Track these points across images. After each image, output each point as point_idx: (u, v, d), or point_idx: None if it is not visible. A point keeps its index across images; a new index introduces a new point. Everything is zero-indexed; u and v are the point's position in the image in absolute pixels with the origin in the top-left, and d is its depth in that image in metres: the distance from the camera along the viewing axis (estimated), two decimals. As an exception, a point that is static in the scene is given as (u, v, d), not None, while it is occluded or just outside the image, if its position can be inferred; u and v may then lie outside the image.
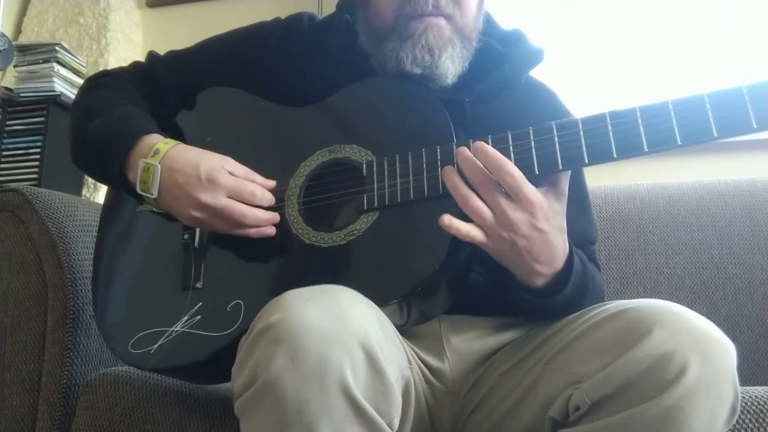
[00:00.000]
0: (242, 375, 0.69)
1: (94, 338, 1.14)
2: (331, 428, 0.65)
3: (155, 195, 0.92)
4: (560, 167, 0.78)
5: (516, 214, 0.76)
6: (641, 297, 1.18)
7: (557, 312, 0.86)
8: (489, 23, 1.04)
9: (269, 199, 0.92)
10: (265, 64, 1.05)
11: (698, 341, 0.69)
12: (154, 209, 0.97)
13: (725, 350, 0.70)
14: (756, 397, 0.89)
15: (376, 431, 0.68)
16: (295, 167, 0.95)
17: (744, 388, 0.91)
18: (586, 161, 0.77)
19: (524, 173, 0.77)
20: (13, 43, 2.42)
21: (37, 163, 2.36)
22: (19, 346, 1.12)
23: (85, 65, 2.58)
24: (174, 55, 1.12)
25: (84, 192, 2.46)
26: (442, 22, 0.93)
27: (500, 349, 0.92)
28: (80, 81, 2.55)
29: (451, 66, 0.94)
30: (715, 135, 0.73)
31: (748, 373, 1.29)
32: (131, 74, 1.11)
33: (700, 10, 2.04)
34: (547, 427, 0.77)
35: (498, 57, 1.00)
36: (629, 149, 0.76)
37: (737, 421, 0.86)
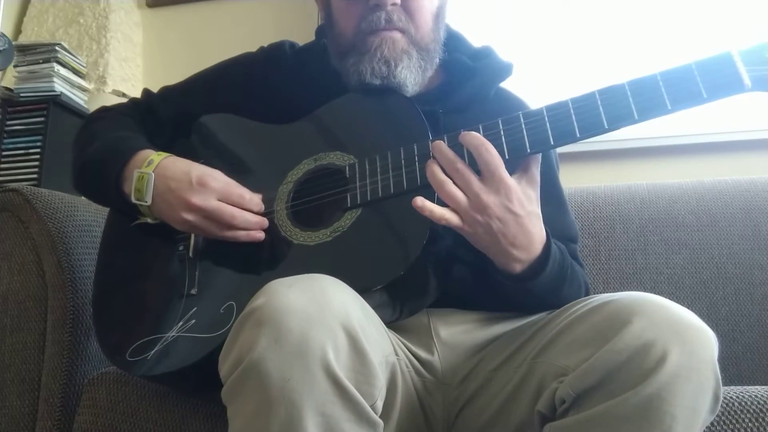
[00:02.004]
0: (228, 360, 0.71)
1: (93, 338, 1.14)
2: (314, 406, 0.67)
3: (149, 202, 0.96)
4: (528, 150, 0.83)
5: (489, 197, 0.80)
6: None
7: (536, 299, 0.89)
8: (459, 41, 1.11)
9: (258, 203, 0.96)
10: (252, 86, 1.11)
11: (678, 330, 0.70)
12: (149, 220, 1.00)
13: (705, 338, 0.71)
14: (756, 397, 0.89)
15: (358, 411, 0.70)
16: (283, 176, 1.00)
17: (744, 387, 0.91)
18: (552, 143, 0.83)
19: None
20: (13, 43, 2.42)
21: (37, 163, 2.36)
22: (19, 346, 1.12)
23: (85, 65, 2.58)
24: (168, 88, 1.19)
25: (84, 192, 2.47)
26: (396, 35, 0.98)
27: (490, 343, 0.93)
28: (80, 81, 2.55)
29: (409, 75, 0.99)
30: (669, 108, 0.79)
31: (748, 373, 1.29)
32: (129, 108, 1.17)
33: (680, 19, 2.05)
34: (536, 422, 0.78)
35: (468, 71, 1.06)
36: (591, 128, 0.82)
37: (737, 421, 0.87)
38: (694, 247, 1.40)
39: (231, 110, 1.10)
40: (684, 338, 0.69)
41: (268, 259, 0.95)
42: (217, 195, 0.93)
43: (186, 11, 2.65)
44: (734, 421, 0.87)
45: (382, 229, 0.90)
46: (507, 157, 0.83)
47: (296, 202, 0.97)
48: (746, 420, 0.87)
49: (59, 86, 2.42)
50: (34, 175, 2.34)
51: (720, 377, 0.71)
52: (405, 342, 0.92)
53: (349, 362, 0.69)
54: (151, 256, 1.04)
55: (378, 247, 0.89)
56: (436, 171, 0.83)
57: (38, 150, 2.36)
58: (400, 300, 0.89)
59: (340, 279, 0.78)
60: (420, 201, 0.81)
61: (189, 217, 0.94)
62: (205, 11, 2.62)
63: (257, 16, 2.51)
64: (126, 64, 2.58)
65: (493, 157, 0.81)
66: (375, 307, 0.83)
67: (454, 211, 0.82)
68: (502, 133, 0.85)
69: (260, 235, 0.94)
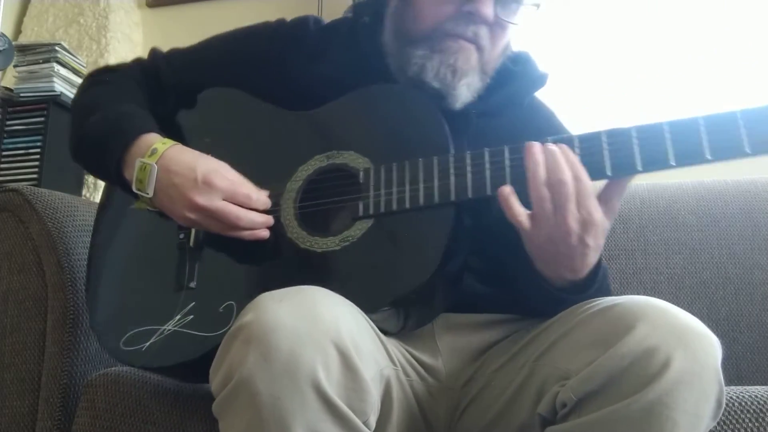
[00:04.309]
0: (218, 375, 0.70)
1: (94, 338, 1.14)
2: (304, 425, 0.66)
3: (151, 194, 0.92)
4: (609, 173, 0.79)
5: (574, 224, 0.77)
6: (641, 297, 1.18)
7: (560, 306, 0.86)
8: None
9: (264, 202, 0.93)
10: (268, 63, 1.05)
11: (681, 336, 0.69)
12: (149, 208, 0.97)
13: (709, 344, 0.70)
14: (756, 397, 0.89)
15: (350, 428, 0.69)
16: (293, 171, 0.95)
17: (744, 387, 0.91)
18: (640, 168, 0.77)
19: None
20: (13, 43, 2.42)
21: (37, 163, 2.36)
22: (19, 346, 1.12)
23: (85, 65, 2.57)
24: (176, 53, 1.12)
25: (84, 192, 2.46)
26: (473, 50, 0.94)
27: (493, 346, 0.92)
28: (80, 81, 2.55)
29: (465, 92, 0.95)
30: (709, 158, 0.76)
31: (748, 373, 1.29)
32: (133, 71, 1.11)
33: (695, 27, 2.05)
34: (536, 424, 0.78)
35: (508, 74, 1.02)
36: (689, 156, 0.77)
37: (737, 421, 0.87)
38: (694, 247, 1.39)
39: (242, 86, 1.04)
40: (687, 344, 0.69)
41: (272, 260, 0.92)
42: (223, 195, 0.90)
43: (186, 11, 2.66)
44: (734, 421, 0.87)
45: (394, 244, 0.87)
46: (609, 173, 0.79)
47: (305, 204, 0.93)
48: (746, 420, 0.87)
49: (59, 86, 2.42)
50: (34, 175, 2.34)
51: (723, 383, 0.70)
52: (408, 348, 0.91)
53: (340, 379, 0.68)
54: (149, 240, 1.01)
55: (388, 265, 0.85)
56: (540, 163, 0.78)
57: (38, 150, 2.37)
58: (406, 313, 0.87)
59: (347, 294, 0.76)
60: (508, 190, 0.78)
61: (191, 215, 0.91)
62: (205, 11, 2.62)
63: (257, 16, 2.51)
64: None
65: (587, 189, 0.77)
66: (380, 320, 0.82)
67: (532, 217, 0.78)
68: (578, 152, 0.79)
69: (265, 234, 0.91)
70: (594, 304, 0.79)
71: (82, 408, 1.04)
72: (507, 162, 0.82)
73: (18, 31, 2.78)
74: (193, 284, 0.94)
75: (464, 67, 0.94)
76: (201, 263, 0.95)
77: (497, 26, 0.94)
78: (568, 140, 0.81)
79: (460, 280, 0.92)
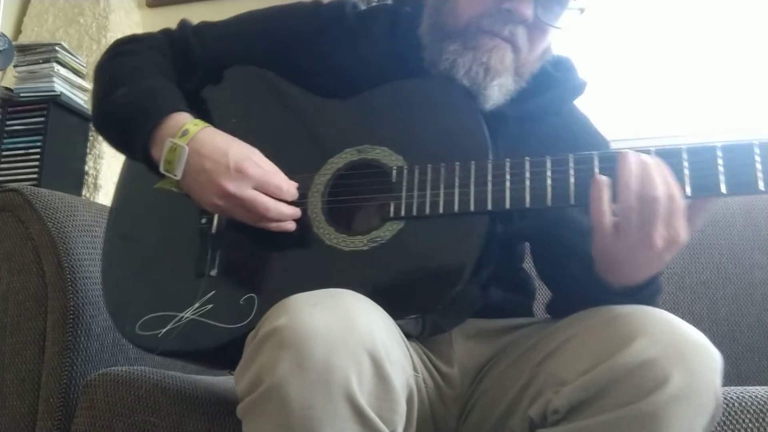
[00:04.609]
0: (246, 377, 0.68)
1: (94, 338, 1.14)
2: None
3: (179, 177, 0.89)
4: (723, 191, 0.74)
5: (659, 241, 0.74)
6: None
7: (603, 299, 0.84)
8: None
9: (294, 193, 0.90)
10: (304, 45, 1.01)
11: (681, 350, 0.68)
12: (174, 189, 0.94)
13: (710, 360, 0.69)
14: (756, 397, 0.89)
15: None
16: (322, 163, 0.92)
17: (744, 388, 0.91)
18: (724, 191, 0.73)
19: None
20: (13, 43, 2.42)
21: (37, 163, 2.36)
22: (19, 346, 1.12)
23: (85, 65, 2.58)
24: (207, 26, 1.08)
25: (84, 192, 2.47)
26: (509, 51, 0.90)
27: (502, 350, 0.91)
28: (80, 81, 2.56)
29: (497, 93, 0.91)
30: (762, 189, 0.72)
31: (748, 373, 1.29)
32: (161, 42, 1.06)
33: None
34: (527, 427, 0.77)
35: (549, 80, 0.98)
36: None
37: (737, 421, 0.87)
38: (694, 247, 1.39)
39: (273, 66, 1.00)
40: (687, 360, 0.68)
41: (296, 254, 0.89)
42: (254, 183, 0.87)
43: (186, 11, 2.66)
44: (734, 422, 0.87)
45: (425, 250, 0.83)
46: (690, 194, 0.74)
47: (333, 198, 0.90)
48: (746, 420, 0.86)
49: (59, 86, 2.42)
50: (34, 175, 2.35)
51: (721, 399, 0.70)
52: (427, 353, 0.90)
53: (372, 389, 0.67)
54: (170, 222, 0.99)
55: (418, 272, 0.82)
56: (633, 175, 0.74)
57: (38, 150, 2.37)
58: (428, 319, 0.85)
59: (373, 298, 0.75)
60: (605, 182, 0.74)
61: (220, 202, 0.87)
62: (205, 11, 2.62)
63: (257, 16, 2.51)
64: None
65: (679, 207, 0.73)
66: (401, 324, 0.80)
67: (615, 224, 0.74)
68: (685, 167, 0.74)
69: (291, 227, 0.88)
70: (598, 312, 0.78)
71: (81, 408, 1.04)
72: (548, 173, 0.79)
73: (18, 31, 2.78)
74: (213, 272, 0.91)
75: (498, 66, 0.90)
76: (222, 251, 0.93)
77: (536, 28, 0.90)
78: (675, 152, 0.76)
79: (487, 289, 0.90)
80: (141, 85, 0.97)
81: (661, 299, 0.85)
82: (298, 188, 0.90)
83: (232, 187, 0.86)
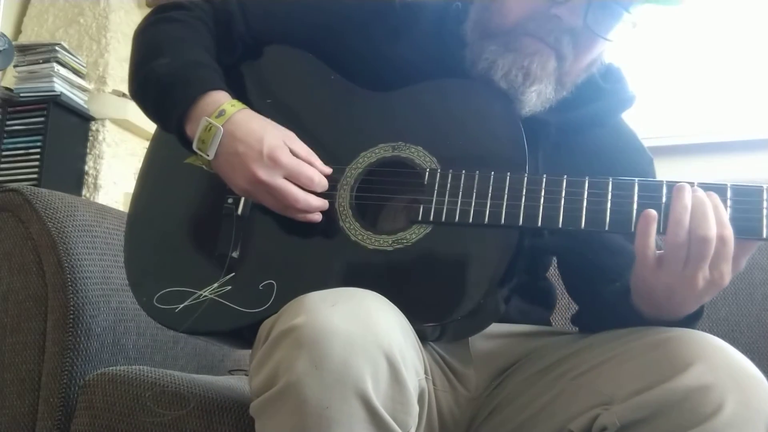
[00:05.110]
0: (261, 374, 0.68)
1: (94, 338, 1.14)
2: None
3: (211, 157, 0.88)
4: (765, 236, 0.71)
5: (702, 283, 0.72)
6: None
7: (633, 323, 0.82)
8: None
9: (325, 186, 0.88)
10: (346, 33, 0.98)
11: (737, 379, 0.68)
12: (203, 166, 0.94)
13: (763, 390, 0.69)
14: (756, 397, 0.89)
15: None
16: (354, 156, 0.91)
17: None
18: (765, 236, 0.71)
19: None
20: (13, 43, 2.42)
21: (37, 163, 2.36)
22: (19, 346, 1.12)
23: (85, 65, 2.58)
24: (252, 1, 1.03)
25: (84, 192, 2.47)
26: (552, 57, 0.87)
27: (524, 357, 0.91)
28: (80, 81, 2.56)
29: (535, 99, 0.88)
30: None
31: (748, 373, 1.29)
32: (205, 12, 1.02)
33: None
34: None
35: (597, 91, 0.95)
36: None
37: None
38: (694, 247, 1.39)
39: (316, 49, 0.98)
40: (743, 388, 0.68)
41: (319, 246, 0.89)
42: (285, 173, 0.85)
43: (186, 11, 2.65)
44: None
45: (449, 258, 0.82)
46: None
47: (362, 194, 0.89)
48: (746, 420, 0.86)
49: (59, 86, 2.42)
50: (34, 175, 2.35)
51: None
52: (441, 353, 0.89)
53: (388, 391, 0.67)
54: (195, 198, 0.98)
55: (440, 280, 0.81)
56: (687, 210, 0.71)
57: (38, 150, 2.37)
58: (444, 328, 0.84)
59: (392, 300, 0.74)
60: (653, 216, 0.71)
61: (249, 187, 0.86)
62: (205, 11, 2.61)
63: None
64: (126, 64, 2.57)
65: (729, 251, 0.71)
66: (418, 330, 0.79)
67: (662, 258, 0.72)
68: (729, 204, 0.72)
69: (318, 218, 0.87)
70: (646, 332, 0.77)
71: (80, 408, 1.04)
72: (585, 195, 0.77)
73: (18, 31, 2.78)
74: (235, 254, 0.90)
75: (538, 72, 0.86)
76: (246, 233, 0.92)
77: (585, 37, 0.86)
78: (719, 189, 0.73)
79: (508, 302, 0.89)
80: (183, 57, 0.94)
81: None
82: (329, 179, 0.89)
83: (264, 174, 0.85)
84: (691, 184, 0.73)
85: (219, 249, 0.91)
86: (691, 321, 0.81)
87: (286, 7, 1.03)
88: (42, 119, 2.39)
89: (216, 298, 0.88)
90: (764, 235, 0.71)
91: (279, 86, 0.99)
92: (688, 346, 0.71)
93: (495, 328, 0.91)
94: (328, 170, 0.89)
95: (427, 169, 0.86)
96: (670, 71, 2.13)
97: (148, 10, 3.05)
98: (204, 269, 0.91)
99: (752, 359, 0.72)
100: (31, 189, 1.18)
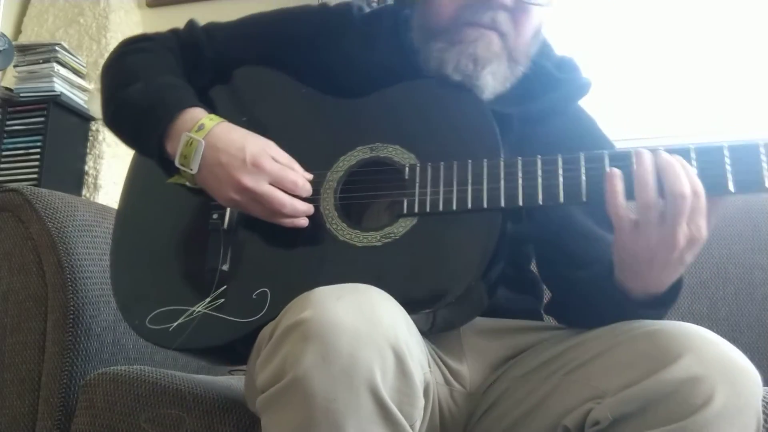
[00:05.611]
0: (268, 369, 0.68)
1: (94, 338, 1.14)
2: (357, 428, 0.65)
3: (195, 171, 0.89)
4: (732, 190, 0.75)
5: (682, 239, 0.74)
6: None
7: (629, 316, 0.83)
8: (545, 46, 1.03)
9: (309, 190, 0.90)
10: (311, 47, 1.02)
11: (727, 369, 0.69)
12: (187, 183, 0.95)
13: (753, 381, 0.70)
14: (756, 397, 0.89)
15: None
16: (334, 160, 0.93)
17: (744, 388, 0.91)
18: (732, 190, 0.74)
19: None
20: (13, 43, 2.42)
21: (37, 163, 2.36)
22: (19, 346, 1.12)
23: (85, 65, 2.58)
24: (216, 26, 1.08)
25: (84, 192, 2.47)
26: (494, 36, 0.91)
27: (519, 353, 0.91)
28: (80, 81, 2.56)
29: (491, 81, 0.91)
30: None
31: (748, 373, 1.30)
32: (171, 41, 1.07)
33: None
34: None
35: (553, 81, 1.00)
36: None
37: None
38: (694, 247, 1.39)
39: (283, 67, 1.01)
40: (733, 379, 0.68)
41: (308, 249, 0.90)
42: (270, 179, 0.87)
43: (186, 11, 2.66)
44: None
45: (437, 246, 0.84)
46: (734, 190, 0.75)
47: (346, 195, 0.91)
48: (746, 420, 0.86)
49: (59, 86, 2.42)
50: (34, 175, 2.35)
51: (762, 421, 0.70)
52: (436, 349, 0.90)
53: (395, 383, 0.67)
54: (180, 217, 0.99)
55: (430, 267, 0.83)
56: (649, 172, 0.74)
57: (38, 150, 2.37)
58: (438, 315, 0.85)
59: (385, 291, 0.75)
60: (617, 173, 0.74)
61: (236, 196, 0.88)
62: (205, 11, 2.62)
63: (257, 16, 2.51)
64: (126, 64, 2.58)
65: (703, 204, 0.74)
66: (413, 319, 0.80)
67: (635, 221, 0.74)
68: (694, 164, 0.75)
69: (304, 223, 0.89)
70: (636, 325, 0.78)
71: (81, 407, 1.04)
72: (560, 171, 0.80)
73: (18, 31, 2.78)
74: (225, 267, 0.91)
75: (486, 54, 0.90)
76: (234, 246, 0.93)
77: (519, 9, 0.90)
78: (683, 151, 0.76)
79: (496, 288, 0.90)
80: (156, 81, 0.97)
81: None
82: (312, 184, 0.91)
83: (249, 181, 0.87)
84: (657, 149, 0.77)
85: (209, 264, 0.92)
86: (674, 294, 0.81)
87: (250, 31, 1.06)
88: (42, 119, 2.39)
89: (209, 312, 0.88)
90: (731, 189, 0.74)
91: (252, 104, 1.01)
92: (678, 337, 0.72)
93: (486, 323, 0.93)
94: (310, 176, 0.91)
95: (407, 165, 0.88)
96: (670, 70, 2.13)
97: (148, 10, 3.04)
98: (195, 286, 0.91)
99: (752, 359, 0.72)
100: (31, 189, 1.18)
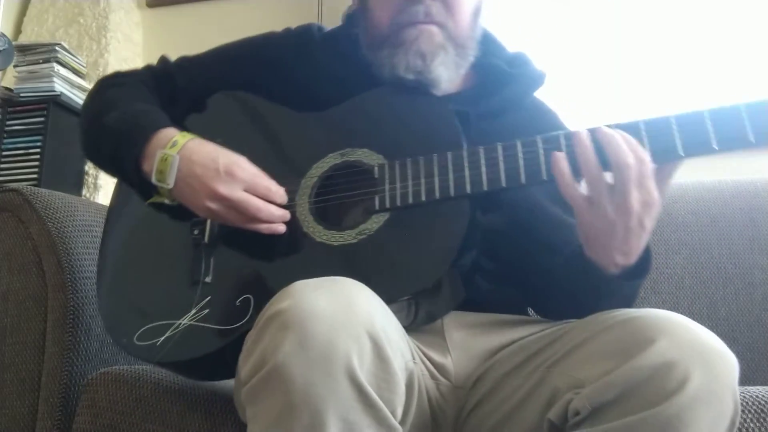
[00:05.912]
0: (250, 361, 0.70)
1: (94, 338, 1.14)
2: (337, 413, 0.66)
3: (171, 186, 0.93)
4: (681, 153, 0.79)
5: (636, 205, 0.77)
6: (641, 296, 1.18)
7: (609, 298, 0.86)
8: (494, 45, 1.08)
9: (282, 195, 0.93)
10: (279, 69, 1.08)
11: (701, 353, 0.69)
12: (166, 201, 0.98)
13: (728, 363, 0.70)
14: (756, 396, 0.89)
15: (379, 417, 0.69)
16: (307, 168, 0.96)
17: (744, 387, 0.91)
18: (682, 153, 0.79)
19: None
20: (13, 43, 2.42)
21: (37, 163, 2.36)
22: (19, 346, 1.12)
23: (85, 65, 2.58)
24: (187, 59, 1.15)
25: (84, 192, 2.46)
26: (434, 29, 0.96)
27: (504, 348, 0.92)
28: (80, 81, 2.56)
29: (444, 71, 0.96)
30: (716, 148, 0.79)
31: (748, 373, 1.29)
32: (145, 76, 1.13)
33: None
34: (545, 430, 0.77)
35: (505, 77, 1.04)
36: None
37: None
38: (694, 247, 1.39)
39: (253, 91, 1.07)
40: (708, 362, 0.69)
41: (288, 254, 0.93)
42: (244, 186, 0.91)
43: (186, 11, 2.66)
44: None
45: (410, 237, 0.88)
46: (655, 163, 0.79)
47: (320, 198, 0.94)
48: (747, 420, 0.86)
49: (59, 86, 2.42)
50: (34, 175, 2.34)
51: (739, 402, 0.70)
52: (419, 345, 0.91)
53: (372, 369, 0.69)
54: (162, 236, 1.01)
55: (405, 256, 0.87)
56: (588, 148, 0.79)
57: (38, 150, 2.37)
58: (417, 307, 0.88)
59: (367, 285, 0.77)
60: (559, 157, 0.79)
61: (212, 205, 0.91)
62: (205, 11, 2.62)
63: (257, 16, 2.52)
64: (126, 64, 2.58)
65: (648, 168, 0.77)
66: (393, 310, 0.82)
67: (587, 198, 0.79)
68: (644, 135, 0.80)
69: (282, 228, 0.92)
70: (613, 314, 0.79)
71: (82, 407, 1.04)
72: (520, 154, 0.84)
73: (18, 31, 2.78)
74: (208, 279, 0.94)
75: (430, 48, 0.95)
76: (216, 258, 0.95)
77: None
78: (633, 125, 0.81)
79: (472, 277, 0.93)
80: (131, 108, 1.03)
81: (659, 298, 0.86)
82: (286, 191, 0.94)
83: (224, 189, 0.90)
84: (609, 125, 0.81)
85: (192, 277, 0.95)
86: (645, 263, 0.84)
87: (220, 59, 1.13)
88: (42, 119, 2.38)
89: (195, 323, 0.90)
90: (681, 153, 0.79)
91: (226, 126, 1.05)
92: (652, 323, 0.72)
93: (469, 317, 0.94)
94: (282, 189, 0.94)
95: (376, 165, 0.92)
96: (670, 71, 2.14)
97: (148, 10, 3.05)
98: (180, 300, 0.93)
99: (752, 359, 0.72)
100: (31, 189, 1.18)
